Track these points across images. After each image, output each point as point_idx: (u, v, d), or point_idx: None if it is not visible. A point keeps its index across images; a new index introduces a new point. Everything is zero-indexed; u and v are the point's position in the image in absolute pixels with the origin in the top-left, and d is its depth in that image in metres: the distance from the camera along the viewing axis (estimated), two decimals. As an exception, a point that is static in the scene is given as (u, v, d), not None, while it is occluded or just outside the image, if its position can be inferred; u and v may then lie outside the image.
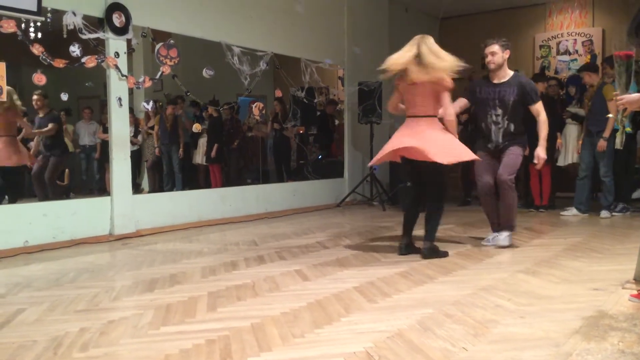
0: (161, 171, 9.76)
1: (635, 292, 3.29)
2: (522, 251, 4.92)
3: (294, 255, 4.88)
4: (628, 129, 3.30)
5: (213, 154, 9.30)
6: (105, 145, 8.50)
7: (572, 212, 7.16)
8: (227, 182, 9.44)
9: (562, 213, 7.24)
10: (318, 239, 5.72)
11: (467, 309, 3.15)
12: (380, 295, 3.47)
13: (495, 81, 5.00)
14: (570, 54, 10.69)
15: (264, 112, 8.48)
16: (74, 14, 5.61)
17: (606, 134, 6.63)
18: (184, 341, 2.68)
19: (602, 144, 6.69)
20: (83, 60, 5.73)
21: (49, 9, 5.44)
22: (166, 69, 6.52)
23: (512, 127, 4.96)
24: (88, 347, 2.64)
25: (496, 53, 4.93)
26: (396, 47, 4.61)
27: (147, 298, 3.54)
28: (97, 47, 5.89)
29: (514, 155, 4.98)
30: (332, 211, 8.38)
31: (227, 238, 5.97)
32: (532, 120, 5.00)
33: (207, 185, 9.57)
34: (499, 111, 4.98)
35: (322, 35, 8.82)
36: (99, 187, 10.02)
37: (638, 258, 3.58)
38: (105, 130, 8.18)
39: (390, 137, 4.84)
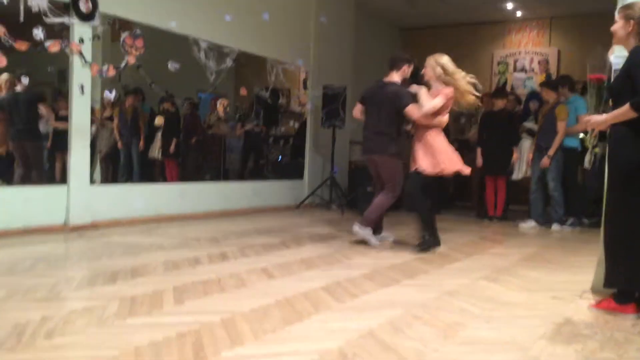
0: (115, 163, 9.50)
1: (593, 302, 3.42)
2: (480, 259, 5.03)
3: (257, 253, 4.85)
4: (597, 150, 3.43)
5: (172, 149, 9.12)
6: (57, 134, 8.23)
7: (530, 224, 7.27)
8: (184, 178, 9.28)
9: (521, 225, 7.32)
10: (280, 239, 5.70)
11: (434, 311, 3.20)
12: (348, 296, 3.49)
13: None
14: (526, 71, 11.03)
15: (227, 109, 8.40)
16: (40, -5, 5.42)
17: (550, 152, 6.92)
18: (153, 333, 2.62)
19: (545, 161, 6.97)
20: (47, 44, 5.54)
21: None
22: (131, 59, 6.38)
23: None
24: (53, 335, 2.55)
25: None
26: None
27: (109, 289, 3.44)
28: (61, 32, 5.71)
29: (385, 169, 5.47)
30: (291, 212, 8.36)
31: (187, 233, 5.87)
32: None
33: (164, 180, 9.38)
34: None
35: (289, 37, 8.80)
36: (48, 176, 9.69)
37: (596, 270, 3.72)
38: (59, 118, 7.95)
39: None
